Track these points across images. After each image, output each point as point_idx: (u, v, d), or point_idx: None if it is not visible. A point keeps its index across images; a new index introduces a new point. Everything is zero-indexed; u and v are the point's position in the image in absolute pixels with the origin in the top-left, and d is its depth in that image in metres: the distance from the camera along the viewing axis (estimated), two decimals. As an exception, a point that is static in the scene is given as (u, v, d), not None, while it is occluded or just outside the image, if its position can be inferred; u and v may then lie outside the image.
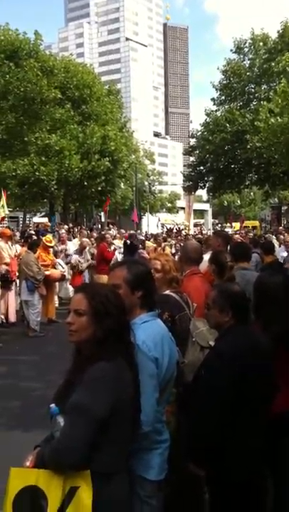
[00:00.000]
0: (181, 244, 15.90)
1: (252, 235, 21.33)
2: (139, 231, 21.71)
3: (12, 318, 11.38)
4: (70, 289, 13.16)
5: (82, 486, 2.14)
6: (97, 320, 2.30)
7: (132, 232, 19.96)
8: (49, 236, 12.55)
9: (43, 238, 12.25)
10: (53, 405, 2.29)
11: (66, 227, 23.77)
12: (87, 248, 13.16)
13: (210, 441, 2.81)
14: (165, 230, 30.20)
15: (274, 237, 17.52)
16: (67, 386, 2.31)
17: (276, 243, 13.54)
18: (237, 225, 34.95)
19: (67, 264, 12.72)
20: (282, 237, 14.90)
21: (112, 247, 13.35)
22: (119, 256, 13.70)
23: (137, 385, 2.37)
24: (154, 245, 15.60)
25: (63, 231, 17.51)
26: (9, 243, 11.82)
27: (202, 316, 3.59)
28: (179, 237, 22.03)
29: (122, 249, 14.33)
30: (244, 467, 2.88)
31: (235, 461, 2.84)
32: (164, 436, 2.74)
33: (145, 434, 2.51)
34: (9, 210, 24.67)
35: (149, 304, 2.73)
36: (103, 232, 16.18)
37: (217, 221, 71.07)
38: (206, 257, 5.55)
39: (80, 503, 2.13)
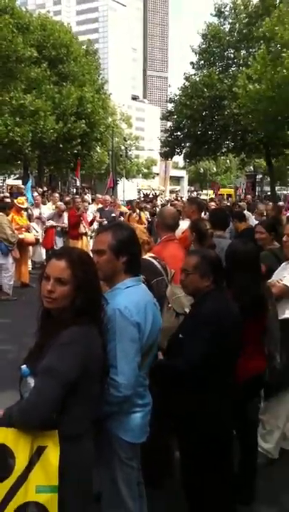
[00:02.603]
0: (157, 209, 15.88)
1: (226, 203, 21.36)
2: (114, 197, 21.52)
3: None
4: (42, 252, 13.12)
5: (50, 446, 2.19)
6: (78, 290, 2.32)
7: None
8: (21, 198, 12.35)
9: (16, 200, 12.06)
10: (24, 366, 2.31)
11: (40, 190, 23.45)
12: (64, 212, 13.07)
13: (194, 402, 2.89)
14: (141, 195, 30.09)
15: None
16: (39, 349, 2.33)
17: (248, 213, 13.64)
18: (211, 193, 35.01)
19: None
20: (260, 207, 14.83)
21: (91, 214, 13.30)
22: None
23: (105, 349, 2.41)
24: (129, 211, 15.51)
25: (37, 194, 17.26)
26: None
27: (178, 283, 3.61)
28: (155, 203, 21.93)
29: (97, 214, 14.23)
30: (217, 422, 3.01)
31: (210, 415, 2.96)
32: (146, 400, 2.78)
33: (126, 397, 2.53)
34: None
35: (134, 269, 2.72)
36: (68, 198, 16.01)
37: (193, 188, 71.02)
38: (182, 224, 5.56)
39: (47, 462, 2.18)
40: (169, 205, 15.53)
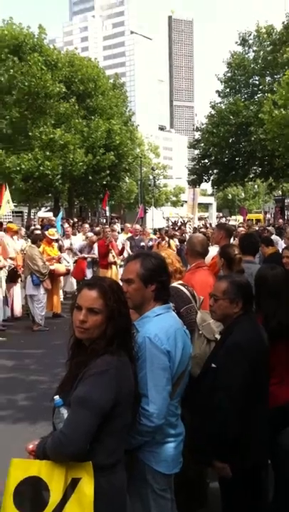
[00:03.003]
0: (186, 236, 15.92)
1: (256, 228, 21.27)
2: (143, 225, 21.67)
3: (17, 312, 11.43)
4: (74, 282, 13.23)
5: (84, 478, 2.16)
6: (110, 319, 2.33)
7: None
8: (52, 230, 12.55)
9: (46, 232, 12.25)
10: (56, 397, 2.30)
11: (71, 221, 23.80)
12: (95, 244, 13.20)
13: (237, 433, 2.83)
14: (170, 223, 30.19)
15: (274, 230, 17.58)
16: (71, 379, 2.33)
17: (276, 237, 13.58)
18: (240, 218, 34.87)
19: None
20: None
21: (120, 244, 13.37)
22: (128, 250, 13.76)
23: (136, 378, 2.40)
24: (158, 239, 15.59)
25: (67, 225, 17.52)
26: (15, 238, 11.86)
27: (207, 309, 3.58)
28: (184, 230, 21.99)
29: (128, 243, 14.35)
30: (256, 455, 2.96)
31: (249, 449, 2.90)
32: (179, 430, 2.74)
33: (158, 426, 2.50)
34: (14, 205, 24.61)
35: (163, 296, 2.72)
36: (98, 228, 16.18)
37: (221, 214, 70.92)
38: (211, 250, 5.55)
39: (82, 494, 2.14)
40: (197, 232, 15.56)
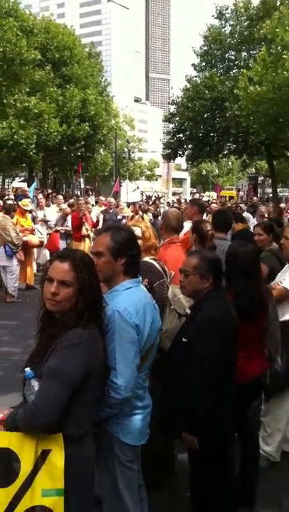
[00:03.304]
0: (160, 211, 15.95)
1: (229, 204, 21.42)
2: (118, 199, 21.56)
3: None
4: (47, 254, 13.20)
5: (55, 449, 2.19)
6: (82, 291, 2.33)
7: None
8: (25, 200, 12.42)
9: (20, 203, 12.13)
10: (27, 369, 2.30)
11: (45, 192, 23.53)
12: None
13: (208, 408, 2.88)
14: (144, 197, 30.12)
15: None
16: (42, 351, 2.34)
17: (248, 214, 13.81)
18: (214, 195, 35.00)
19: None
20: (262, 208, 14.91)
21: (94, 216, 13.32)
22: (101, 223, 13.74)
23: (106, 351, 2.42)
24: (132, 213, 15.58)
25: (41, 196, 17.36)
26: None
27: (178, 285, 3.63)
28: (157, 205, 21.99)
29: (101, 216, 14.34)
30: (226, 430, 3.06)
31: (219, 425, 2.98)
32: (146, 402, 2.78)
33: (125, 399, 2.53)
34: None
35: (133, 270, 2.73)
36: (72, 200, 16.07)
37: (195, 190, 71.04)
38: (184, 225, 5.60)
39: (53, 466, 2.18)
40: (171, 207, 15.58)
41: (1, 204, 13.44)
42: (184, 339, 3.05)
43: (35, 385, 2.25)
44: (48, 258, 12.86)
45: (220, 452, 3.10)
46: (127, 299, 2.60)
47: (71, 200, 16.22)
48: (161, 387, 3.09)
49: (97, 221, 13.63)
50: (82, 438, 2.32)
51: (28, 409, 2.20)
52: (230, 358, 3.01)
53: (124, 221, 13.29)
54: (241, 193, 39.49)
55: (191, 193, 60.67)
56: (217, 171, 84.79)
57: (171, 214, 4.99)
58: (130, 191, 23.68)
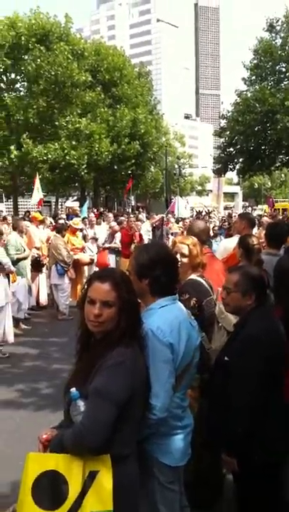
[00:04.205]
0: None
1: (280, 217, 20.95)
2: (170, 215, 21.58)
3: (43, 301, 11.57)
4: (98, 271, 13.30)
5: (102, 470, 2.15)
6: (123, 311, 2.32)
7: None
8: (76, 219, 12.61)
9: (71, 222, 12.33)
10: (73, 389, 2.27)
11: (96, 211, 23.90)
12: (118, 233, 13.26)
13: (249, 427, 2.79)
14: (194, 213, 29.99)
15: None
16: (86, 371, 2.32)
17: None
18: (266, 208, 34.44)
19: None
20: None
21: (146, 233, 13.36)
22: (146, 239, 13.77)
23: (148, 369, 2.39)
24: (181, 229, 15.55)
25: (92, 215, 17.61)
26: (40, 227, 11.99)
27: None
28: (207, 220, 21.84)
29: (150, 233, 14.38)
30: (274, 448, 2.90)
31: (266, 443, 2.85)
32: (186, 422, 2.71)
33: (161, 419, 2.48)
34: (44, 195, 24.84)
35: (160, 290, 2.65)
36: (122, 218, 16.18)
37: (247, 204, 70.28)
38: (234, 240, 5.49)
39: (101, 487, 2.14)
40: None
41: (54, 224, 13.72)
42: (226, 358, 2.98)
43: (81, 405, 2.22)
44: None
45: (270, 472, 2.96)
46: (162, 317, 2.56)
47: (122, 218, 16.37)
48: (206, 406, 3.03)
49: (141, 237, 13.58)
50: (128, 458, 2.29)
51: (76, 429, 2.18)
52: (277, 376, 2.90)
53: (170, 238, 13.24)
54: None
55: (243, 207, 60.07)
56: (270, 183, 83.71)
57: (197, 226, 4.89)
58: (181, 207, 23.58)
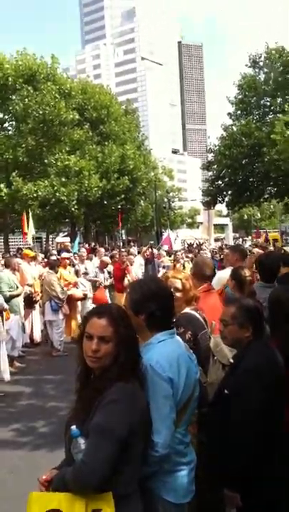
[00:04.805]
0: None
1: (271, 248, 21.11)
2: (160, 249, 21.68)
3: (37, 338, 11.52)
4: (90, 307, 13.30)
5: (105, 509, 2.12)
6: (121, 346, 2.32)
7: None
8: (65, 254, 12.59)
9: (62, 255, 12.35)
10: (74, 427, 2.25)
11: (87, 246, 24.02)
12: (108, 266, 13.31)
13: (253, 462, 2.76)
14: (186, 245, 30.18)
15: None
16: (85, 408, 2.30)
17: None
18: (262, 238, 34.74)
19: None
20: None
21: (139, 266, 13.39)
22: (139, 272, 13.80)
23: (148, 405, 2.38)
24: (173, 263, 15.62)
25: (84, 250, 17.68)
26: (32, 264, 12.02)
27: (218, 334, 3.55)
28: (195, 253, 21.97)
29: (143, 267, 14.43)
30: (277, 484, 2.87)
31: (270, 477, 2.82)
32: (189, 458, 2.66)
33: (164, 456, 2.44)
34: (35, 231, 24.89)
35: (157, 325, 2.65)
36: (114, 252, 16.26)
37: (238, 235, 70.76)
38: (226, 272, 5.55)
39: None
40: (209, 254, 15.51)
41: (46, 260, 13.74)
42: (225, 391, 2.96)
43: (82, 443, 2.20)
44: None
45: (274, 506, 2.91)
46: (160, 352, 2.54)
47: (114, 252, 16.44)
48: (207, 441, 3.00)
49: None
50: (131, 496, 2.26)
51: (77, 467, 2.17)
52: (277, 408, 2.88)
53: (161, 271, 13.29)
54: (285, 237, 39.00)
55: (234, 238, 60.50)
56: (259, 214, 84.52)
57: (203, 262, 4.96)
58: (172, 240, 23.86)
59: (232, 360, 3.36)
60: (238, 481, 2.81)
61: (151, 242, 17.98)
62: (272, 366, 2.93)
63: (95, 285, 12.82)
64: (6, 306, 8.41)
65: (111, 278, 13.06)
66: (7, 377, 8.14)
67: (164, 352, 2.55)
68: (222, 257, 15.71)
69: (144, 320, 2.63)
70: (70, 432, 2.26)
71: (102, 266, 13.01)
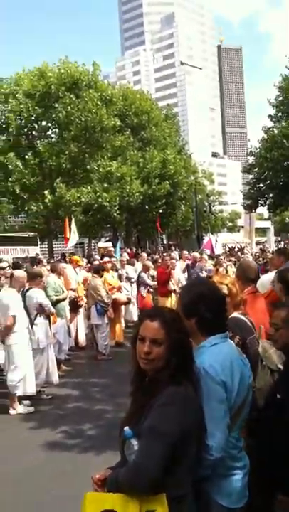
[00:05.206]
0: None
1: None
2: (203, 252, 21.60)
3: (82, 342, 11.69)
4: (134, 311, 13.45)
5: (158, 510, 2.14)
6: (173, 349, 2.34)
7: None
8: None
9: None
10: (127, 428, 2.27)
11: (128, 250, 24.19)
12: (150, 270, 13.39)
13: None
14: (227, 249, 29.98)
15: None
16: (138, 410, 2.34)
17: None
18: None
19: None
20: None
21: (179, 271, 13.41)
22: (181, 276, 13.82)
23: (202, 409, 2.38)
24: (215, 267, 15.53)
25: (125, 254, 17.82)
26: (77, 269, 12.21)
27: (266, 338, 3.55)
28: (238, 256, 21.79)
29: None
30: None
31: None
32: (242, 463, 2.64)
33: (217, 459, 2.44)
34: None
35: (208, 328, 2.64)
36: (156, 256, 16.28)
37: (280, 238, 69.68)
38: (271, 275, 5.51)
39: None
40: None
41: (90, 265, 13.94)
42: (278, 396, 2.94)
43: (135, 444, 2.24)
44: (135, 315, 13.12)
45: None
46: (213, 356, 2.54)
47: (156, 256, 16.48)
48: (256, 446, 2.98)
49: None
50: (184, 498, 2.28)
51: (130, 468, 2.20)
52: None
53: (204, 274, 13.25)
54: None
55: (275, 242, 59.62)
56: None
57: (247, 264, 4.93)
58: (213, 244, 23.81)
59: (281, 366, 3.35)
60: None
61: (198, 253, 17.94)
62: None
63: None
64: (53, 310, 8.58)
65: (154, 282, 13.11)
66: (56, 380, 8.30)
67: (217, 355, 2.55)
68: (265, 260, 15.55)
69: (195, 323, 2.62)
70: (123, 433, 2.29)
71: (145, 270, 13.09)
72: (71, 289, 11.20)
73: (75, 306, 11.31)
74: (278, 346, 3.20)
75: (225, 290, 3.69)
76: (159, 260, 13.90)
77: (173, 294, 12.74)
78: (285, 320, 3.07)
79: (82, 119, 31.43)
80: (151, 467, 2.13)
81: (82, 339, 11.72)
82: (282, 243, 46.22)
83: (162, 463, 2.15)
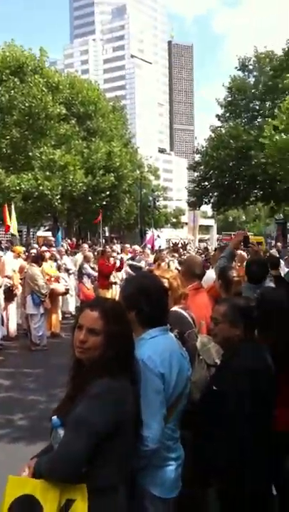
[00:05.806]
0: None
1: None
2: (144, 246, 21.64)
3: (12, 331, 11.31)
4: (71, 302, 13.24)
5: (78, 499, 2.13)
6: (110, 340, 2.31)
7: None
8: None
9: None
10: (54, 417, 2.29)
11: (69, 241, 23.92)
12: (91, 262, 13.24)
13: (236, 459, 2.79)
14: (171, 244, 30.17)
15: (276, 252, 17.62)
16: (70, 399, 2.32)
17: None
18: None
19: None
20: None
21: (112, 260, 13.29)
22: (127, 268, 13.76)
23: (138, 401, 2.37)
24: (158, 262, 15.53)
25: (64, 245, 17.57)
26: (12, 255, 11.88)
27: (207, 333, 3.56)
28: (185, 252, 21.93)
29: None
30: (259, 479, 2.89)
31: (253, 473, 2.84)
32: (177, 454, 2.70)
33: (153, 450, 2.47)
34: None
35: (148, 321, 2.68)
36: (101, 248, 16.19)
37: (222, 237, 71.18)
38: (212, 272, 5.52)
39: None
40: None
41: (28, 254, 13.60)
42: (214, 387, 2.97)
43: (61, 433, 2.23)
44: (72, 306, 12.96)
45: (256, 504, 2.92)
46: (152, 348, 2.58)
47: (99, 248, 16.32)
48: (192, 437, 2.98)
49: (121, 264, 13.52)
50: (112, 489, 2.24)
51: (52, 456, 2.20)
52: (266, 407, 2.89)
53: (145, 267, 13.24)
54: (268, 240, 39.27)
55: (217, 240, 60.77)
56: (244, 217, 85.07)
57: (193, 260, 4.93)
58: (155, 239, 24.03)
59: (218, 361, 3.39)
60: (227, 475, 2.83)
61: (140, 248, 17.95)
62: (264, 366, 2.95)
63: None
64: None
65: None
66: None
67: (156, 347, 2.59)
68: (207, 257, 15.75)
69: (135, 315, 2.65)
70: (51, 422, 2.29)
71: (86, 261, 12.92)
72: (6, 276, 10.86)
73: (10, 295, 10.99)
74: (217, 340, 3.22)
75: (166, 284, 3.64)
76: (109, 251, 13.59)
77: (114, 286, 12.64)
78: (224, 314, 3.08)
79: (26, 105, 30.80)
80: (72, 457, 2.12)
81: (12, 329, 11.34)
82: (225, 242, 47.01)
83: (84, 453, 2.13)
